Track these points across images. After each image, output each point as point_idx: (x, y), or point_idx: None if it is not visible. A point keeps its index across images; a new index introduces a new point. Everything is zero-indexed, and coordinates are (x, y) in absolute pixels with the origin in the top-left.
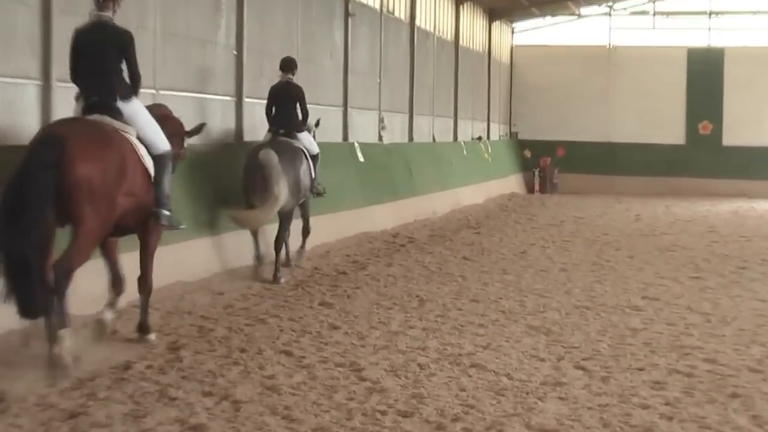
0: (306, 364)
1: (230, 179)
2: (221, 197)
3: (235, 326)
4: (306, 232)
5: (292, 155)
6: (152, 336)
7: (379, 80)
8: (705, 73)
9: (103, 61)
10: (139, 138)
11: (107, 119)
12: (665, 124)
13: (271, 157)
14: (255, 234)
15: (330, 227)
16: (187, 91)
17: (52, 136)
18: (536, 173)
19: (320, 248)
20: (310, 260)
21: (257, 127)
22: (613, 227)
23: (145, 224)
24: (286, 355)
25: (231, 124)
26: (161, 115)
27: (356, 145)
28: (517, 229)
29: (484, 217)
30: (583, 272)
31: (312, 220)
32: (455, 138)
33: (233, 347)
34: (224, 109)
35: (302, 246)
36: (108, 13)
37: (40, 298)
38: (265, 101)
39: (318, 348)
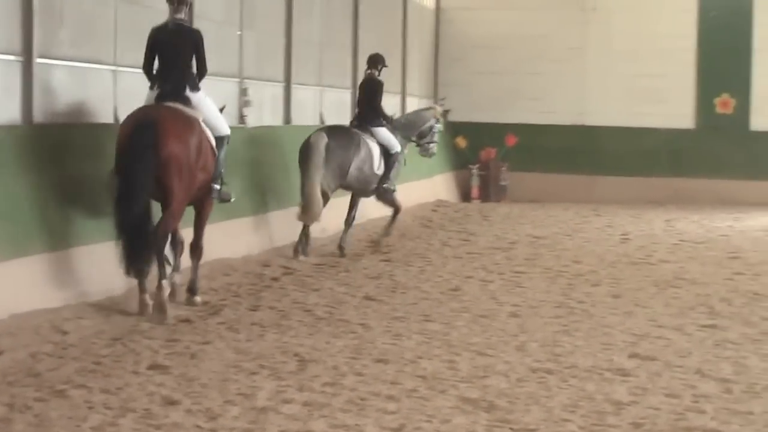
0: None
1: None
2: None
3: (20, 402)
4: (351, 216)
5: (346, 140)
6: (198, 299)
7: (240, 32)
8: (725, 26)
9: (178, 58)
10: (204, 121)
11: (179, 105)
12: (666, 100)
13: (320, 140)
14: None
15: None
16: None
17: (147, 119)
18: (475, 172)
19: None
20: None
21: (56, 102)
22: (589, 252)
23: (204, 195)
24: None
25: (14, 96)
26: None
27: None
28: (446, 255)
29: (398, 237)
30: (543, 319)
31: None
32: None
33: None
34: (2, 73)
35: (345, 232)
36: (182, 15)
37: (151, 258)
38: (80, 63)
39: None
